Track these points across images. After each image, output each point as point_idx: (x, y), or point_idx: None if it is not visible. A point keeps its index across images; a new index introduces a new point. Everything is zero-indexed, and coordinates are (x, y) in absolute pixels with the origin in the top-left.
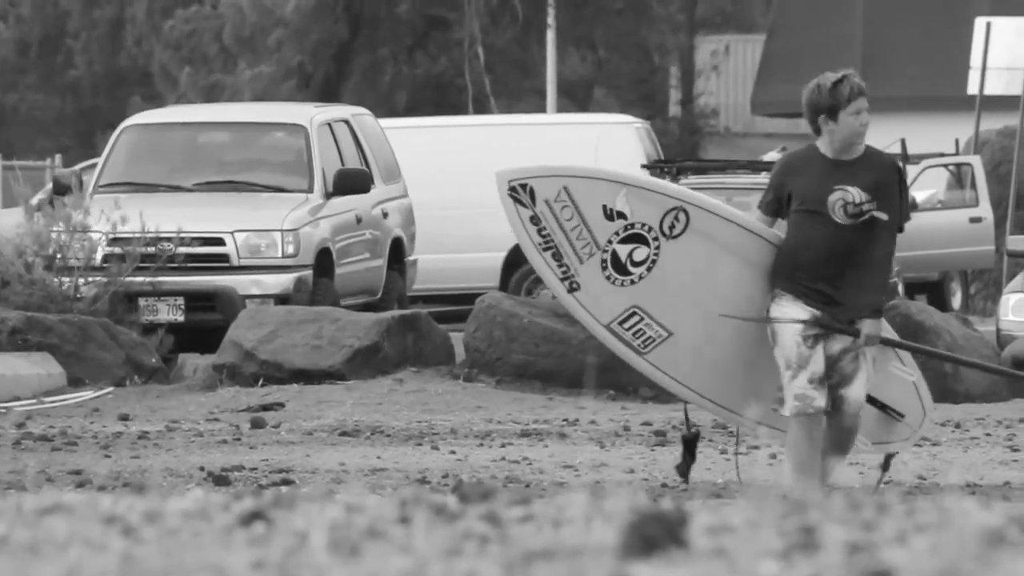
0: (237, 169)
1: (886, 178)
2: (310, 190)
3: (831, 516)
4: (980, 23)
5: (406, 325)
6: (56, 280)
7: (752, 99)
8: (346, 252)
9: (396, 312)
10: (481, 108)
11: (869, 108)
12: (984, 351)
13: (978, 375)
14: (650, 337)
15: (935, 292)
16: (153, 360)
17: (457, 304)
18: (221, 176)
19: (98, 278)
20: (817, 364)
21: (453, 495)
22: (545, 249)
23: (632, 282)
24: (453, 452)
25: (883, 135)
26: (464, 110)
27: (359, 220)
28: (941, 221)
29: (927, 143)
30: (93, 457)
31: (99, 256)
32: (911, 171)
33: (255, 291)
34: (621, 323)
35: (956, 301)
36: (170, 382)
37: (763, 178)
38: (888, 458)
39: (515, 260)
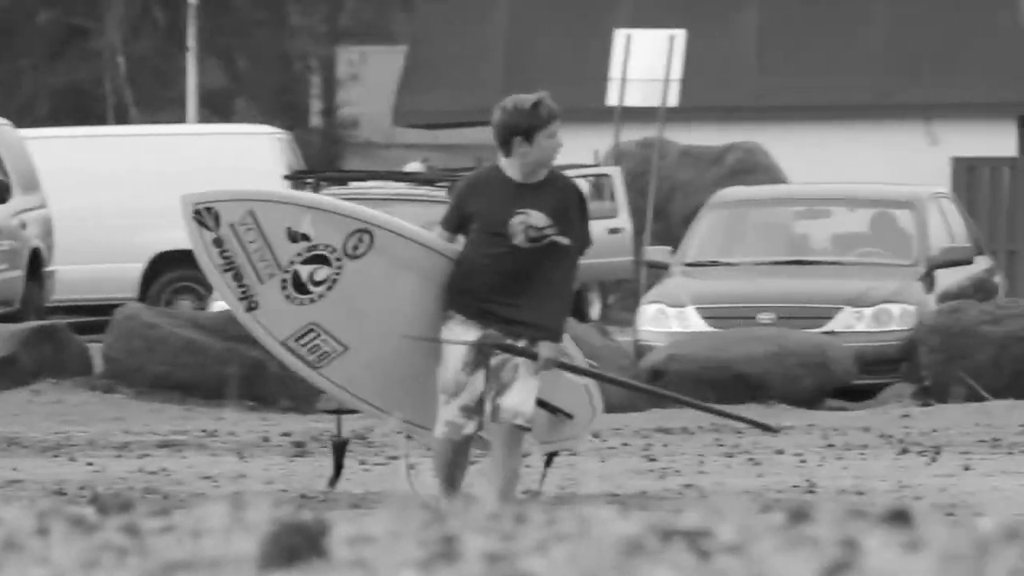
0: None
1: (568, 202)
2: None
3: (471, 526)
4: (620, 35)
5: (44, 336)
6: None
7: (394, 109)
8: None
9: (34, 323)
10: (122, 118)
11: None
12: (622, 362)
13: (615, 387)
14: (325, 352)
15: (573, 303)
16: None
17: (96, 315)
18: None
19: None
20: (472, 392)
21: (91, 506)
22: (226, 270)
23: (312, 300)
24: (91, 463)
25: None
26: (105, 120)
27: None
28: None
29: (567, 154)
30: None
31: None
32: None
33: None
34: (297, 339)
35: (595, 311)
36: None
37: (404, 188)
38: (551, 456)
39: (154, 271)
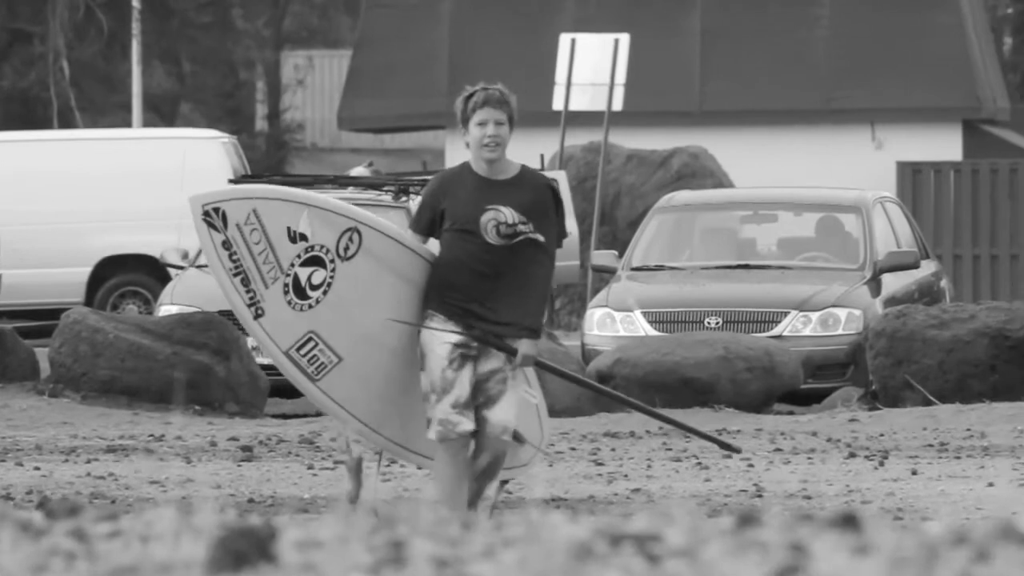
0: None
1: (541, 199)
2: None
3: (419, 531)
4: (565, 39)
5: None
6: None
7: (339, 114)
8: None
9: None
10: (67, 122)
11: (503, 121)
12: (570, 366)
13: (562, 390)
14: (322, 363)
15: None
16: None
17: (42, 319)
18: None
19: None
20: (461, 388)
21: (38, 511)
22: (235, 275)
23: (310, 306)
24: (38, 468)
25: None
26: (50, 124)
27: None
28: None
29: (512, 158)
30: None
31: None
32: None
33: None
34: (298, 349)
35: None
36: None
37: (349, 193)
38: (503, 483)
39: (100, 275)
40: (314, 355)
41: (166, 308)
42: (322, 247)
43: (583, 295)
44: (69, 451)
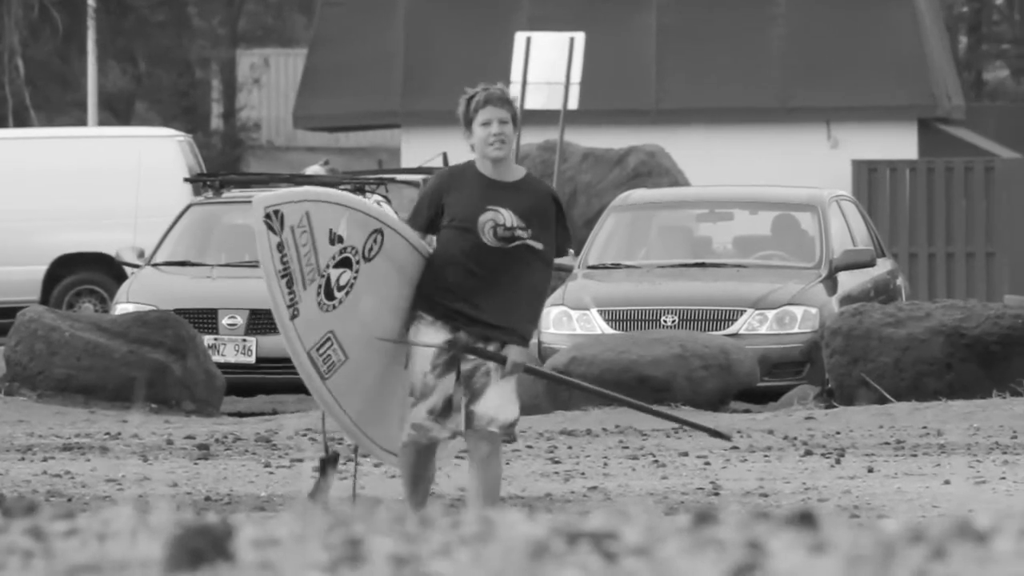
0: None
1: (542, 206)
2: None
3: (376, 528)
4: (520, 38)
5: None
6: None
7: (294, 113)
8: None
9: None
10: (22, 121)
11: (506, 120)
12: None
13: (519, 388)
14: (333, 362)
15: None
16: None
17: None
18: None
19: None
20: (440, 395)
21: None
22: (283, 276)
23: (334, 307)
24: None
25: (425, 149)
26: (4, 123)
27: None
28: None
29: (466, 156)
30: None
31: None
32: None
33: None
34: (318, 349)
35: None
36: None
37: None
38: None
39: (56, 274)
40: (328, 354)
41: (122, 307)
42: (352, 248)
43: None
44: (25, 449)
